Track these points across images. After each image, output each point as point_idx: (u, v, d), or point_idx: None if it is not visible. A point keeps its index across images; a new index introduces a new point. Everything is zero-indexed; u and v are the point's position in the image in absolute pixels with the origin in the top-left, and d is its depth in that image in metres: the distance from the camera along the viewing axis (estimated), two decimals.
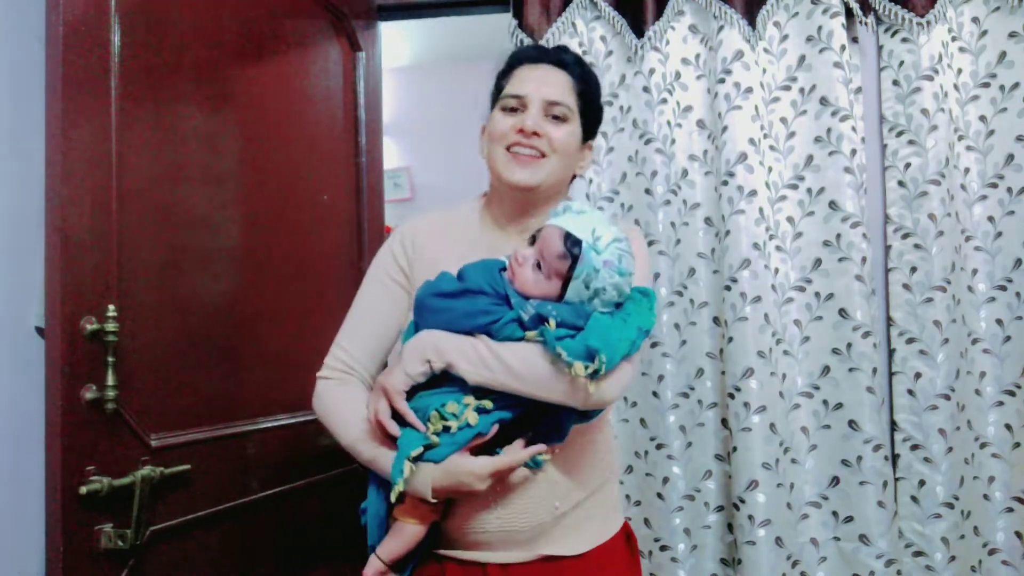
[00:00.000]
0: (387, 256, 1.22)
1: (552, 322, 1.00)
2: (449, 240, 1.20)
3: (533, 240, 1.07)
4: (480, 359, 1.01)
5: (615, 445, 1.85)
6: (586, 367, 0.97)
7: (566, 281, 1.03)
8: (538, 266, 1.04)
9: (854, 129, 1.81)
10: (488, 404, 1.03)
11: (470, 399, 1.03)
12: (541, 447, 1.06)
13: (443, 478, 1.03)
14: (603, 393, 1.02)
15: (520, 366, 1.01)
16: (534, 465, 1.08)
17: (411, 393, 1.05)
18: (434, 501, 1.03)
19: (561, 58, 1.21)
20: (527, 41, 1.90)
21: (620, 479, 1.87)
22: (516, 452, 1.05)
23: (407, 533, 1.07)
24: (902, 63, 1.84)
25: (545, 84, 1.16)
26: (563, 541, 1.12)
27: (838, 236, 1.80)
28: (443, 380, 1.04)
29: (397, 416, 1.04)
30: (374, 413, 1.05)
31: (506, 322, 1.02)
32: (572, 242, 1.02)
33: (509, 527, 1.09)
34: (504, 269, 1.07)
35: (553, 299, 1.04)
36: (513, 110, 1.16)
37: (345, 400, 1.14)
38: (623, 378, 1.05)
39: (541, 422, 1.07)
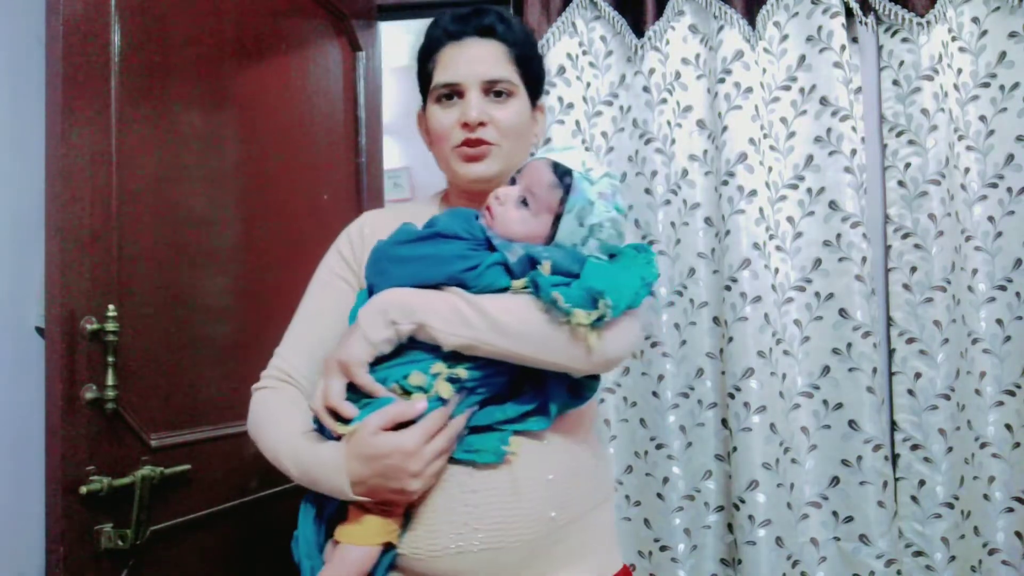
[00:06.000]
0: (332, 254, 1.09)
1: (546, 264, 0.84)
2: None
3: (512, 182, 0.93)
4: (458, 315, 0.82)
5: (611, 458, 1.86)
6: (588, 315, 0.82)
7: (557, 217, 0.88)
8: (524, 203, 0.89)
9: (854, 129, 1.81)
10: (462, 372, 0.83)
11: (439, 366, 0.83)
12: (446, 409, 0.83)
13: (362, 466, 0.81)
14: (607, 349, 0.85)
15: (508, 319, 0.82)
16: (494, 458, 0.85)
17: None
18: (362, 499, 0.83)
19: (485, 25, 1.02)
20: None
21: (620, 479, 1.87)
22: (414, 401, 0.82)
23: (348, 561, 0.83)
24: (902, 63, 1.84)
25: (477, 62, 1.00)
26: (564, 571, 0.89)
27: (838, 236, 1.80)
28: (404, 349, 0.85)
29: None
30: (321, 397, 0.84)
31: (487, 266, 0.84)
32: (562, 171, 0.88)
33: (496, 544, 0.85)
34: (479, 218, 0.91)
35: (542, 241, 0.89)
36: (448, 98, 1.01)
37: (279, 405, 0.97)
38: (628, 335, 0.89)
39: (521, 398, 0.87)
